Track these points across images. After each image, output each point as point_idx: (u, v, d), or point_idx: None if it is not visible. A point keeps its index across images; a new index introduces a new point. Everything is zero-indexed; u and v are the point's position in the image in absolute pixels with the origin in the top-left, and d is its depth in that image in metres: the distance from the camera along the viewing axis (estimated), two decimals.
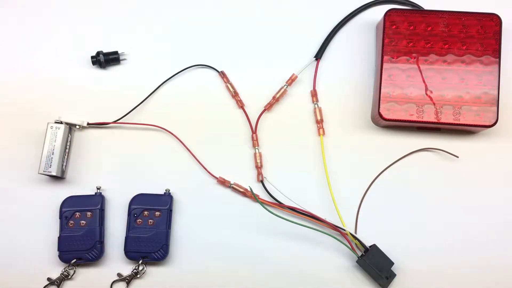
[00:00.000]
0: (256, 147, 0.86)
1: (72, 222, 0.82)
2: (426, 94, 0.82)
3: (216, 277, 0.83)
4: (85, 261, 0.82)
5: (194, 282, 0.83)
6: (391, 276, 0.81)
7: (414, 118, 0.82)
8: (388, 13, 0.84)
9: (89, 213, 0.83)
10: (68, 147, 0.85)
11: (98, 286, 0.83)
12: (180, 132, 0.86)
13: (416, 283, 0.82)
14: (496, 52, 0.83)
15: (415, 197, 0.84)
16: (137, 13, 0.90)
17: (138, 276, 0.82)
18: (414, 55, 0.83)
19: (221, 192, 0.85)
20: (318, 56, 0.88)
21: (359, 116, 0.87)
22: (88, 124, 0.86)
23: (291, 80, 0.87)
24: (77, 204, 0.83)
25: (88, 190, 0.85)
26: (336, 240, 0.81)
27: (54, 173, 0.82)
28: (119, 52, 0.88)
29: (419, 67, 0.83)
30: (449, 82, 0.83)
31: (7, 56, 0.89)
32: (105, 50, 0.88)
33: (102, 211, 0.83)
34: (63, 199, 0.83)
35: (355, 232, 0.83)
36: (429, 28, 0.84)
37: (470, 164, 0.85)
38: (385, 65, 0.83)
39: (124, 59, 0.89)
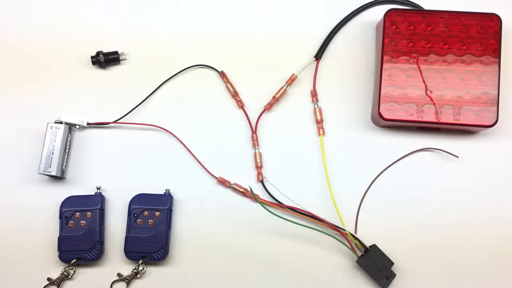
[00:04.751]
0: (256, 147, 0.86)
1: (72, 222, 0.82)
2: (426, 94, 0.82)
3: (216, 277, 0.83)
4: (85, 261, 0.82)
5: (194, 282, 0.83)
6: (391, 276, 0.81)
7: (414, 118, 0.82)
8: (388, 13, 0.84)
9: (89, 213, 0.83)
10: (68, 147, 0.85)
11: (98, 286, 0.83)
12: (180, 132, 0.86)
13: (416, 283, 0.82)
14: (496, 52, 0.83)
15: (415, 197, 0.84)
16: (137, 13, 0.90)
17: (138, 276, 0.82)
18: (414, 55, 0.83)
19: (221, 192, 0.85)
20: (318, 56, 0.88)
21: (359, 116, 0.87)
22: (88, 124, 0.86)
23: (291, 80, 0.87)
24: (77, 204, 0.83)
25: (88, 190, 0.85)
26: (336, 240, 0.81)
27: (54, 173, 0.82)
28: (119, 52, 0.88)
29: (419, 67, 0.83)
30: (449, 82, 0.83)
31: (7, 55, 0.89)
32: (105, 50, 0.88)
33: (102, 211, 0.83)
34: (63, 199, 0.83)
35: (355, 232, 0.83)
36: (429, 28, 0.84)
37: (470, 164, 0.85)
38: (385, 65, 0.83)
39: (124, 59, 0.89)
